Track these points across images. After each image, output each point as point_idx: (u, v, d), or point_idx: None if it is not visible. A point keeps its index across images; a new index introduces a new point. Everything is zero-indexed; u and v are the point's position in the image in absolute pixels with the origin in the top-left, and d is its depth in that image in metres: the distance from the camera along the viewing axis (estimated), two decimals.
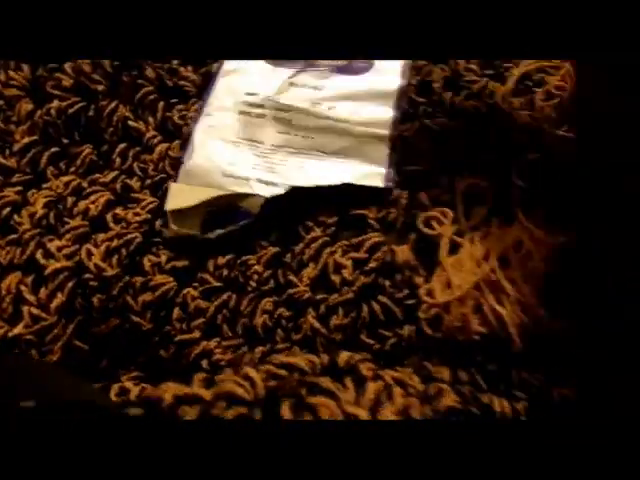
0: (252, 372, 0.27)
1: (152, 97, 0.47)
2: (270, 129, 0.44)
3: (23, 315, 0.38)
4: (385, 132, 0.44)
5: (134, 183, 0.44)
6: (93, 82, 0.47)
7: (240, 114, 0.45)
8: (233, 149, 0.43)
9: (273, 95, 0.45)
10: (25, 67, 0.47)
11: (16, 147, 0.45)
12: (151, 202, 0.43)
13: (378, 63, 0.47)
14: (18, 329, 0.38)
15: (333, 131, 0.44)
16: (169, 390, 0.26)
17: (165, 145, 0.45)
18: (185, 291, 0.40)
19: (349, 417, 0.26)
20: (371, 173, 0.43)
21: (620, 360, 0.33)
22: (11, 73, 0.47)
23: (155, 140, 0.46)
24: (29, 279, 0.39)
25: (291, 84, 0.46)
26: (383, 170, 0.43)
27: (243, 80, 0.47)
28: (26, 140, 0.45)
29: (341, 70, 0.47)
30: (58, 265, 0.39)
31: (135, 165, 0.45)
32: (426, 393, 0.30)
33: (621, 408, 0.31)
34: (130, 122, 0.46)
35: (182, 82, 0.47)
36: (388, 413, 0.26)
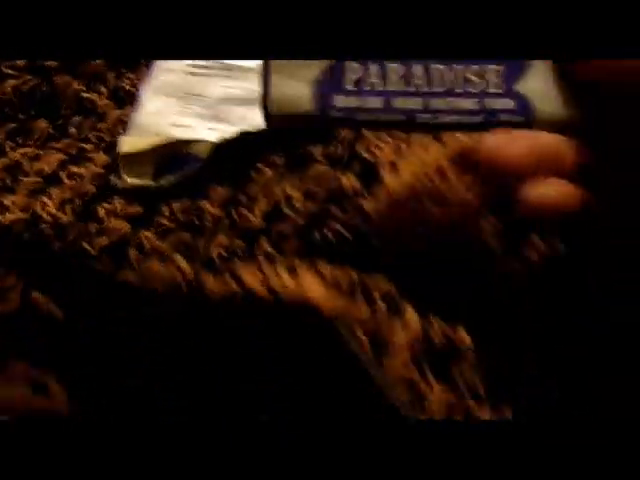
0: (182, 262, 0.28)
1: (103, 69, 0.49)
2: (215, 85, 0.46)
3: None
4: None
5: (89, 147, 0.46)
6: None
7: (186, 74, 0.47)
8: (180, 103, 0.45)
9: None
10: None
11: None
12: (105, 160, 0.44)
13: None
14: None
15: None
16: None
17: (118, 112, 0.47)
18: (141, 233, 0.41)
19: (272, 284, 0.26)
20: None
21: (605, 363, 0.33)
22: None
23: (108, 108, 0.47)
24: None
25: None
26: None
27: None
28: None
29: None
30: (13, 217, 0.40)
31: (91, 135, 0.47)
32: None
33: (606, 410, 0.31)
34: (83, 94, 0.48)
35: None
36: (308, 276, 0.27)
